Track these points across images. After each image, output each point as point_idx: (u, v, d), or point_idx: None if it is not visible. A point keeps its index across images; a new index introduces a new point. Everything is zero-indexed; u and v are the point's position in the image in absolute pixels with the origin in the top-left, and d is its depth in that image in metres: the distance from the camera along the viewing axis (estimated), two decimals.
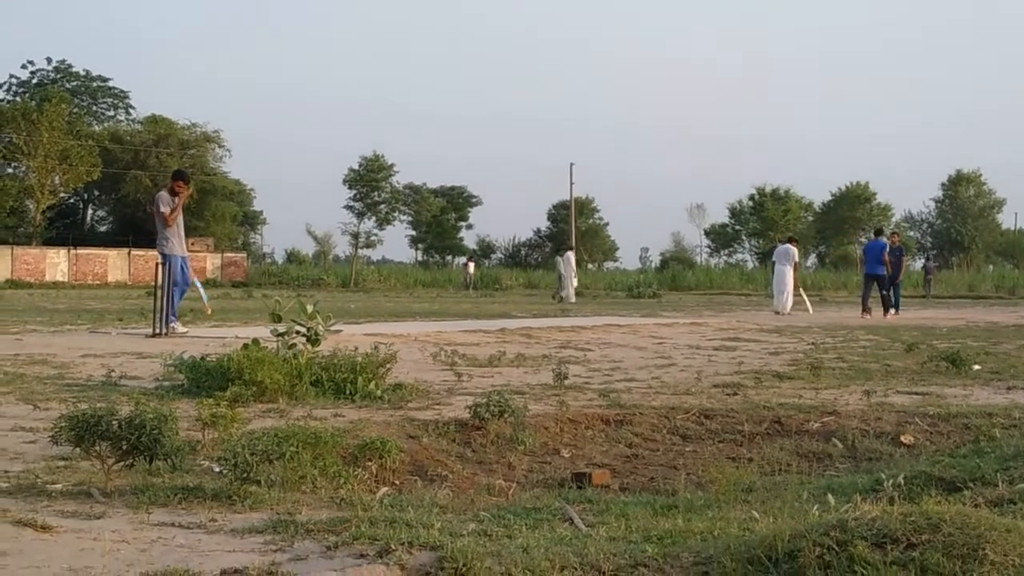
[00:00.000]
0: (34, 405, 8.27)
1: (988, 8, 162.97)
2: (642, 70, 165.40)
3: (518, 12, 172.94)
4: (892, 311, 27.39)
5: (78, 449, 5.54)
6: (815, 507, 4.73)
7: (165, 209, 16.28)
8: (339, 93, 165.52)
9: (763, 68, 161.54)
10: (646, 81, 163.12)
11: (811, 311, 28.22)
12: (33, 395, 8.87)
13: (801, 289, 28.67)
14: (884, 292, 27.72)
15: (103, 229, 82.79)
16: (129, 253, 66.98)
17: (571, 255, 39.46)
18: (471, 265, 67.50)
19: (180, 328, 15.63)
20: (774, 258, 30.18)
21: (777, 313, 27.08)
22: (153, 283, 16.67)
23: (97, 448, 5.45)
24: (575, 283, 38.75)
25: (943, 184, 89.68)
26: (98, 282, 62.84)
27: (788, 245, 29.73)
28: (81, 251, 65.69)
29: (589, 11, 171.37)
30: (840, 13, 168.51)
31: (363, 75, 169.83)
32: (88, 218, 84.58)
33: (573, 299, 37.39)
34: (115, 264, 66.32)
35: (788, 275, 27.75)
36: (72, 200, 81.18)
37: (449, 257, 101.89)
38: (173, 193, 16.76)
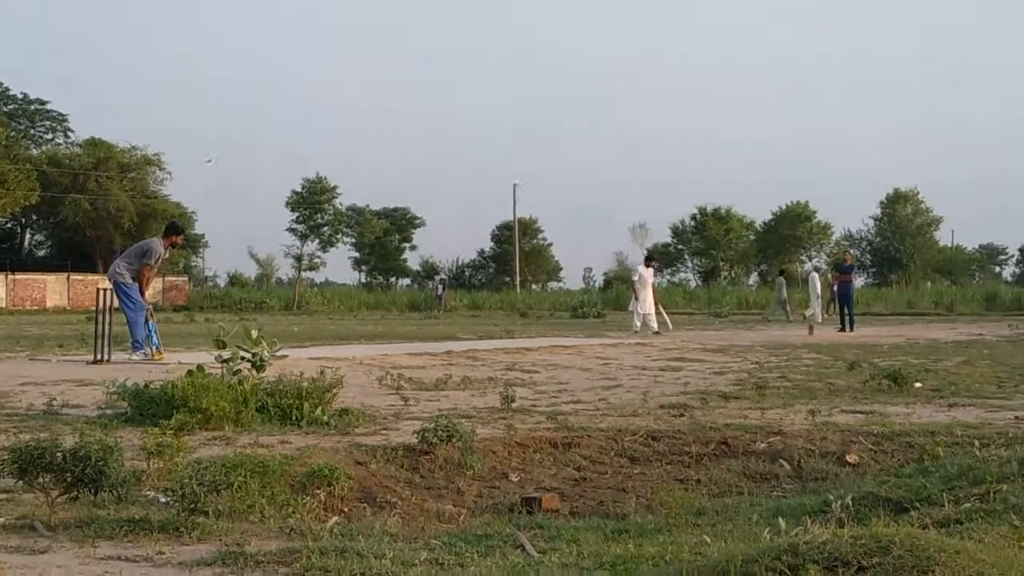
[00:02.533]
0: None
1: (922, 27, 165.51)
2: (588, 89, 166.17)
3: (461, 33, 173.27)
4: (848, 328, 28.04)
5: (21, 482, 5.45)
6: (766, 530, 4.75)
7: (151, 262, 15.96)
8: (281, 112, 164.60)
9: (705, 89, 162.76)
10: (591, 101, 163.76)
11: (671, 327, 28.23)
12: None
13: (660, 306, 28.62)
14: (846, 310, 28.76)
15: (41, 254, 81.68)
16: (68, 278, 66.13)
17: (816, 276, 39.73)
18: (441, 287, 67.45)
19: (137, 358, 15.22)
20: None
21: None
22: (94, 308, 16.44)
23: (41, 480, 5.37)
24: (820, 303, 38.91)
25: (881, 202, 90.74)
26: (36, 307, 61.94)
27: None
28: (19, 276, 64.73)
29: (534, 29, 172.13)
30: (781, 31, 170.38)
31: (306, 95, 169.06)
32: (26, 243, 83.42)
33: (820, 319, 37.72)
34: (54, 289, 65.43)
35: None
36: (9, 225, 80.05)
37: (393, 279, 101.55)
38: (172, 246, 16.65)
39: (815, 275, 39.65)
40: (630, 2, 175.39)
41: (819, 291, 37.66)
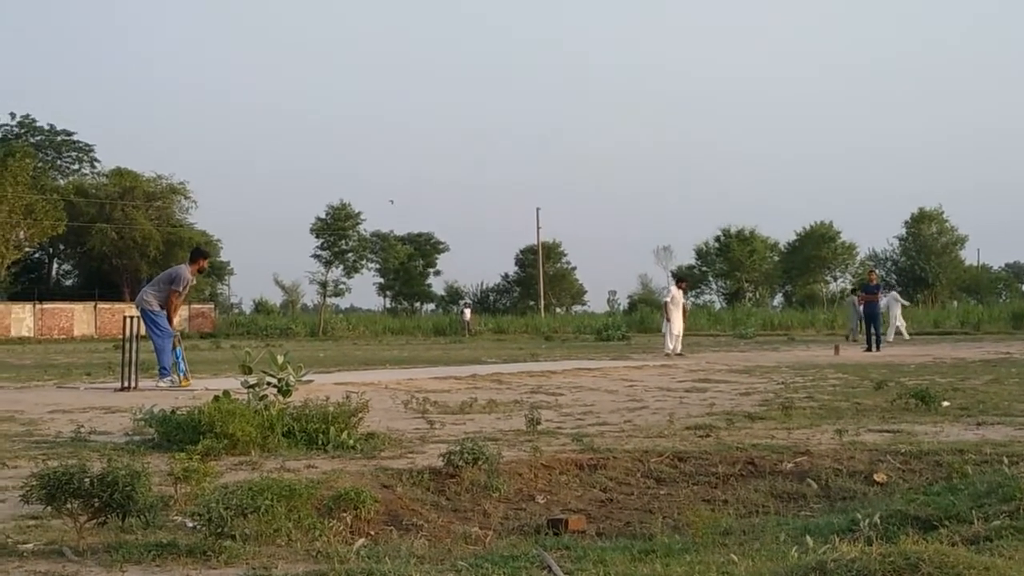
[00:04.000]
0: (2, 463, 8.18)
1: (941, 48, 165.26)
2: (612, 113, 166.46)
3: (485, 55, 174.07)
4: (874, 348, 28.06)
5: (49, 508, 5.48)
6: (793, 549, 4.73)
7: (180, 289, 16.10)
8: (305, 141, 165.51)
9: (726, 111, 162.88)
10: (614, 123, 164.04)
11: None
12: (1, 453, 8.76)
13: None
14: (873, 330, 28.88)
15: (68, 283, 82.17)
16: (95, 307, 66.52)
17: (895, 294, 40.18)
18: (468, 311, 67.57)
19: (164, 384, 15.30)
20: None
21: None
22: (121, 336, 16.54)
23: (69, 506, 5.39)
24: (902, 321, 39.31)
25: (906, 222, 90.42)
26: (64, 336, 62.31)
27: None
28: (47, 306, 65.14)
29: (554, 55, 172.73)
30: (800, 57, 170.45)
31: (329, 124, 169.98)
32: (54, 272, 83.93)
33: (906, 336, 38.56)
34: (81, 318, 65.80)
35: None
36: (37, 255, 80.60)
37: (417, 304, 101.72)
38: (199, 271, 16.79)
39: (894, 294, 39.86)
40: (654, 26, 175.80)
41: (897, 310, 38.03)
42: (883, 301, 38.55)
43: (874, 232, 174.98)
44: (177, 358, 15.67)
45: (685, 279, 31.42)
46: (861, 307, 33.72)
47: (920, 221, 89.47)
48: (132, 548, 5.21)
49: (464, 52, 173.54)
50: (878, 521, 5.59)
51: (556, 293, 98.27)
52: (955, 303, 67.25)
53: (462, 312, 69.09)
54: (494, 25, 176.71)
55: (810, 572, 3.87)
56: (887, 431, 10.08)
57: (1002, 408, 12.16)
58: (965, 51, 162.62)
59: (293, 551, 5.33)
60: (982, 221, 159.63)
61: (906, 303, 42.33)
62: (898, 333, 38.41)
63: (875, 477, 8.06)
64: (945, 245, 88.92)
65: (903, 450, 8.72)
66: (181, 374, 15.60)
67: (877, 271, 54.80)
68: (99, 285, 71.67)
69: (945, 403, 12.27)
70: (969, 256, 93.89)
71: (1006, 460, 7.80)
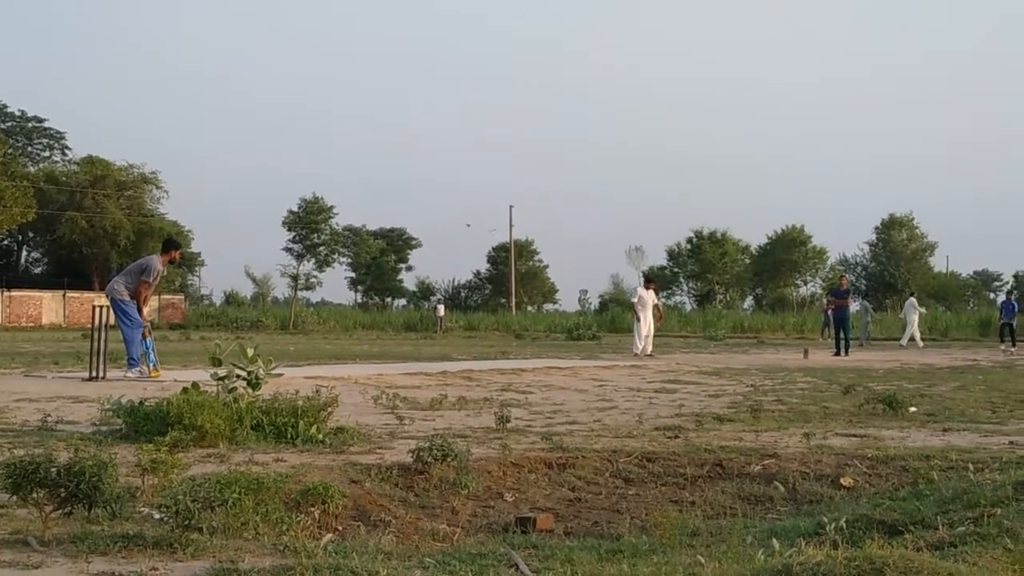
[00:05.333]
0: None
1: (916, 54, 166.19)
2: (585, 111, 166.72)
3: (459, 52, 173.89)
4: (843, 352, 28.23)
5: (14, 497, 5.45)
6: (760, 552, 4.76)
7: (150, 280, 15.98)
8: (278, 133, 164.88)
9: (700, 113, 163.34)
10: (588, 123, 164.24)
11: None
12: None
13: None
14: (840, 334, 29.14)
15: (38, 271, 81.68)
16: (64, 295, 66.13)
17: (913, 300, 40.34)
18: (441, 308, 67.57)
19: (133, 375, 15.24)
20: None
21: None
22: (90, 325, 16.44)
23: (35, 496, 5.36)
24: (917, 327, 39.42)
25: (876, 228, 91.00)
26: (32, 324, 61.90)
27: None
28: (15, 293, 64.71)
29: (532, 48, 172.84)
30: (779, 57, 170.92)
31: (303, 115, 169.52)
32: (22, 260, 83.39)
33: (920, 344, 38.45)
34: (50, 306, 65.40)
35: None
36: (6, 242, 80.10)
37: (389, 299, 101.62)
38: (171, 262, 16.67)
39: (912, 300, 40.05)
40: (627, 28, 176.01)
41: (914, 316, 38.31)
42: (902, 310, 39.15)
43: (845, 237, 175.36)
44: (147, 349, 15.60)
45: (654, 280, 31.33)
46: (830, 311, 33.94)
47: (890, 227, 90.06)
48: (98, 539, 5.18)
49: (444, 49, 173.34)
50: (844, 525, 5.62)
51: (528, 291, 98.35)
52: (924, 309, 68.14)
53: (435, 308, 69.09)
54: (467, 21, 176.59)
55: (776, 575, 3.89)
56: (854, 436, 10.14)
57: (968, 415, 12.25)
58: (939, 63, 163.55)
59: (260, 545, 5.31)
60: (951, 229, 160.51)
61: (923, 310, 42.34)
62: (912, 340, 38.51)
63: (842, 481, 8.11)
64: (915, 252, 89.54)
65: (870, 455, 8.77)
66: (150, 365, 15.54)
67: (847, 276, 55.14)
68: (68, 274, 71.22)
69: (912, 409, 12.36)
70: (938, 263, 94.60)
71: (971, 467, 7.86)
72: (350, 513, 6.80)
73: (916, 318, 39.07)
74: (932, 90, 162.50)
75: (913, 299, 40.63)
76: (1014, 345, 35.45)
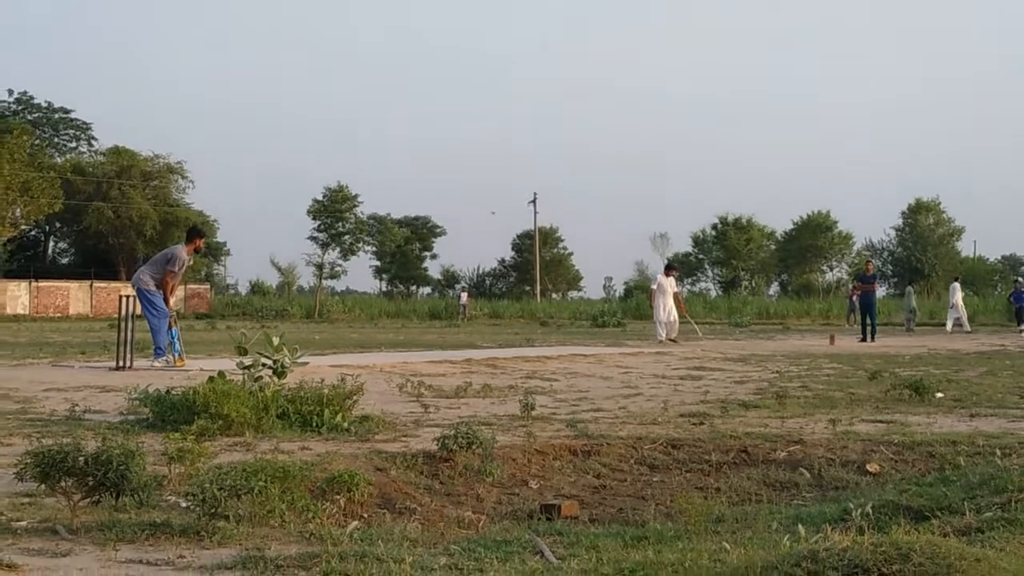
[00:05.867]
0: None
1: (941, 42, 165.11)
2: (607, 99, 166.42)
3: (483, 43, 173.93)
4: (869, 338, 28.05)
5: (43, 486, 5.49)
6: (785, 538, 4.75)
7: (175, 269, 16.07)
8: (303, 122, 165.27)
9: (725, 98, 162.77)
10: (610, 110, 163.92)
11: (701, 337, 28.10)
12: None
13: (688, 315, 28.56)
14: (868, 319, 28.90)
15: (65, 261, 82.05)
16: (91, 285, 66.44)
17: (957, 285, 40.19)
18: (464, 295, 67.65)
19: (159, 364, 15.31)
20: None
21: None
22: (116, 315, 16.54)
23: (63, 484, 5.40)
24: (963, 311, 39.33)
25: (903, 212, 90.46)
26: (60, 315, 62.24)
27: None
28: (42, 284, 65.04)
29: (555, 41, 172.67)
30: (798, 48, 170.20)
31: (327, 105, 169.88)
32: (50, 250, 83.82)
33: (967, 327, 38.57)
34: (77, 297, 65.73)
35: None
36: (33, 232, 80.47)
37: (414, 287, 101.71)
38: (196, 251, 16.74)
39: (956, 285, 39.75)
40: (657, 23, 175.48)
41: (957, 298, 38.07)
42: (951, 295, 38.71)
43: (871, 222, 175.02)
44: (172, 338, 15.69)
45: (675, 267, 31.21)
46: (855, 296, 33.77)
47: (917, 212, 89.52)
48: (125, 527, 5.22)
49: (466, 42, 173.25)
50: (870, 511, 5.60)
51: (552, 279, 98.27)
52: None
53: (459, 296, 69.09)
54: (493, 17, 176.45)
55: (802, 561, 3.88)
56: (881, 421, 10.10)
57: (996, 400, 12.19)
58: (971, 50, 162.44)
59: (286, 532, 5.34)
60: (979, 213, 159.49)
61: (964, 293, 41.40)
62: (958, 324, 38.33)
63: (868, 467, 8.08)
64: (941, 236, 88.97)
65: (896, 440, 8.74)
66: (176, 354, 15.63)
67: (874, 261, 54.77)
68: (95, 264, 71.53)
69: (939, 394, 12.30)
70: (966, 248, 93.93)
71: (999, 452, 7.82)
72: (375, 501, 6.82)
73: (959, 300, 38.80)
74: (956, 76, 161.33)
75: (957, 283, 40.25)
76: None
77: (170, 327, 15.69)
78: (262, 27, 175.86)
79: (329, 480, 6.53)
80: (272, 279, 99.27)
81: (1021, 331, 34.25)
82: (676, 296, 28.09)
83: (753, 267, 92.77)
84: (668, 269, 29.49)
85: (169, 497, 6.08)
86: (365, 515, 6.50)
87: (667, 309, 27.13)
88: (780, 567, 3.87)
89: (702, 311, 59.56)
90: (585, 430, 9.34)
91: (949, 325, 38.37)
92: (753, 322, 49.91)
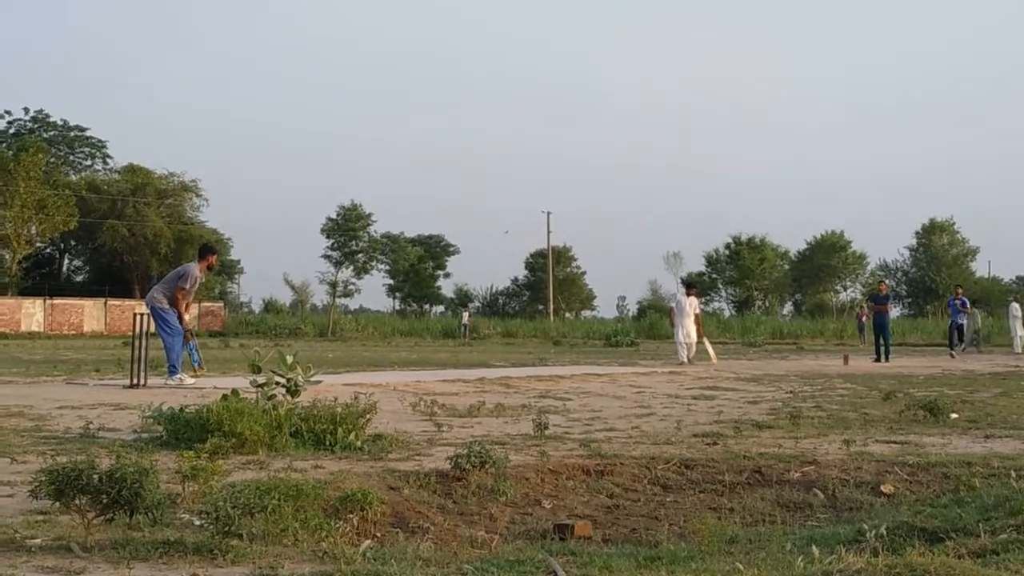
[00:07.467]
0: (11, 458, 8.19)
1: (957, 61, 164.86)
2: (621, 118, 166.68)
3: (493, 60, 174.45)
4: (883, 358, 27.95)
5: (57, 503, 5.50)
6: (799, 559, 4.73)
7: (187, 287, 16.13)
8: (316, 141, 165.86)
9: (741, 117, 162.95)
10: (624, 129, 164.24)
11: (715, 360, 27.05)
12: (10, 448, 8.78)
13: (705, 338, 28.11)
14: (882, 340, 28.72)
15: (79, 279, 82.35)
16: (106, 303, 66.69)
17: (1016, 306, 39.25)
18: (465, 315, 67.73)
19: (188, 380, 15.38)
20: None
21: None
22: (131, 333, 16.62)
23: (77, 502, 5.41)
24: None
25: (917, 233, 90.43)
26: (74, 332, 62.48)
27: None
28: (57, 301, 65.30)
29: (567, 57, 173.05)
30: (814, 64, 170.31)
31: (341, 123, 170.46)
32: (64, 268, 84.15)
33: (1020, 349, 37.56)
34: (91, 314, 65.97)
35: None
36: (48, 250, 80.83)
37: (427, 306, 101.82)
38: (209, 268, 16.83)
39: (1015, 305, 39.19)
40: (672, 41, 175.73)
41: (1016, 322, 37.99)
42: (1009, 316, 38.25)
43: (885, 242, 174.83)
44: (191, 349, 15.86)
45: (695, 286, 30.65)
46: (864, 317, 33.67)
47: (931, 232, 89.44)
48: (139, 545, 5.23)
49: (476, 59, 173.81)
50: (884, 532, 5.58)
51: (565, 298, 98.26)
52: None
53: (461, 316, 69.06)
54: (503, 32, 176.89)
55: None
56: (895, 442, 10.06)
57: (1011, 421, 12.13)
58: (983, 67, 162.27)
59: (299, 551, 5.34)
60: (993, 233, 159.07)
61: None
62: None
63: (882, 488, 8.05)
64: (956, 257, 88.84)
65: (910, 462, 8.71)
66: (195, 364, 15.81)
67: (887, 282, 54.66)
68: (110, 281, 71.81)
69: (953, 415, 12.25)
70: (980, 268, 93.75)
71: (1014, 473, 7.78)
72: (388, 520, 6.82)
73: (1019, 324, 38.24)
74: (968, 96, 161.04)
75: (1016, 304, 39.58)
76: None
77: (186, 341, 15.78)
78: (277, 45, 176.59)
79: (342, 499, 6.53)
80: (286, 297, 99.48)
81: (953, 355, 33.22)
82: (697, 318, 27.58)
83: (767, 287, 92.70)
84: (689, 288, 29.06)
85: (183, 515, 6.08)
86: (378, 534, 6.50)
87: (685, 330, 26.88)
88: None
89: (716, 330, 59.50)
90: (598, 450, 9.32)
91: (1017, 346, 37.79)
92: (767, 342, 49.87)
